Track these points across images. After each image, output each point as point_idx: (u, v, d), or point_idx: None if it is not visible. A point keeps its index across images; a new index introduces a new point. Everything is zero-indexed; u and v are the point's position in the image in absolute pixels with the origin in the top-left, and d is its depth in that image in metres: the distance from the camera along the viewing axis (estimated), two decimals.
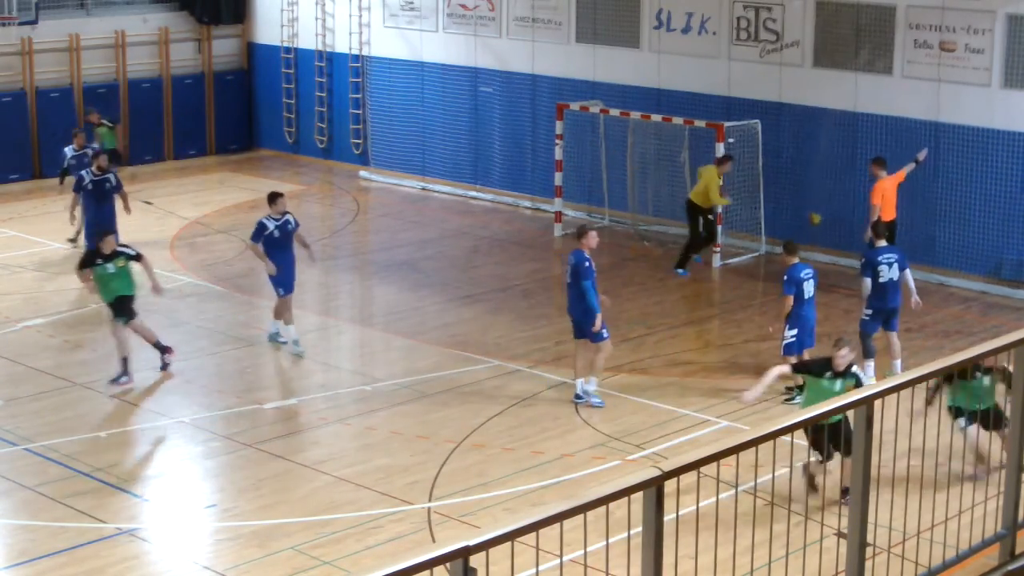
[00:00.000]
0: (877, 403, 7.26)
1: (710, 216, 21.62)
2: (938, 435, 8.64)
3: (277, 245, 17.48)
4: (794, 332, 15.92)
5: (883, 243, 16.74)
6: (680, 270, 21.52)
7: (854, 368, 13.28)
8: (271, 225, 17.47)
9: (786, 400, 15.81)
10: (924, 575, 8.09)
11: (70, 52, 27.92)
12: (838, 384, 12.94)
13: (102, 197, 20.57)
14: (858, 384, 12.93)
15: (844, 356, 13.01)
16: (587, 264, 15.78)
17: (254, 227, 17.60)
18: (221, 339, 18.36)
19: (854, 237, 21.98)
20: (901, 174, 19.96)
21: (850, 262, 21.91)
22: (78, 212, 21.27)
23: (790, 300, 15.89)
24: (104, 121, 25.78)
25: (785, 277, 15.98)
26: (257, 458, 14.54)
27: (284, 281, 17.61)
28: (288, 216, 17.63)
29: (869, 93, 21.73)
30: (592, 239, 15.95)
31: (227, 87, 30.33)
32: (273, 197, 17.69)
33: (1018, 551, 8.27)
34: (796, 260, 16.13)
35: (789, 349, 15.94)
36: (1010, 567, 8.17)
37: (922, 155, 20.31)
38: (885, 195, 19.65)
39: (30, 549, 12.50)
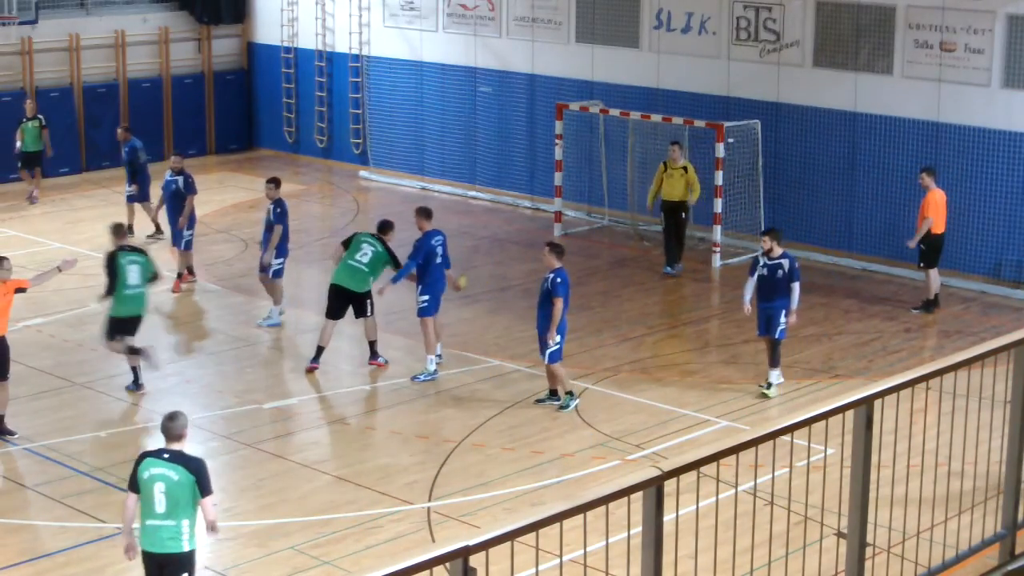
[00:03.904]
0: (877, 403, 7.27)
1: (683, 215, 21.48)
2: (938, 435, 8.64)
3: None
4: (559, 340, 15.58)
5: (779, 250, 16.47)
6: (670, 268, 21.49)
7: None
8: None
9: (538, 400, 15.91)
10: (924, 575, 8.10)
11: (70, 52, 27.92)
12: None
13: (174, 198, 20.67)
14: None
15: None
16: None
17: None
18: (221, 339, 18.36)
19: (854, 238, 22.02)
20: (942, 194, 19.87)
21: (849, 263, 21.94)
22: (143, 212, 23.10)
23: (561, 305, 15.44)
24: (39, 116, 25.69)
25: (559, 280, 15.41)
26: (257, 458, 14.54)
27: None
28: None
29: (869, 93, 21.73)
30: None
31: (227, 87, 30.33)
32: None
33: (1018, 551, 8.28)
34: (560, 265, 15.57)
35: (556, 356, 15.62)
36: (1010, 567, 8.18)
37: None
38: (939, 207, 19.52)
39: (30, 549, 12.51)
